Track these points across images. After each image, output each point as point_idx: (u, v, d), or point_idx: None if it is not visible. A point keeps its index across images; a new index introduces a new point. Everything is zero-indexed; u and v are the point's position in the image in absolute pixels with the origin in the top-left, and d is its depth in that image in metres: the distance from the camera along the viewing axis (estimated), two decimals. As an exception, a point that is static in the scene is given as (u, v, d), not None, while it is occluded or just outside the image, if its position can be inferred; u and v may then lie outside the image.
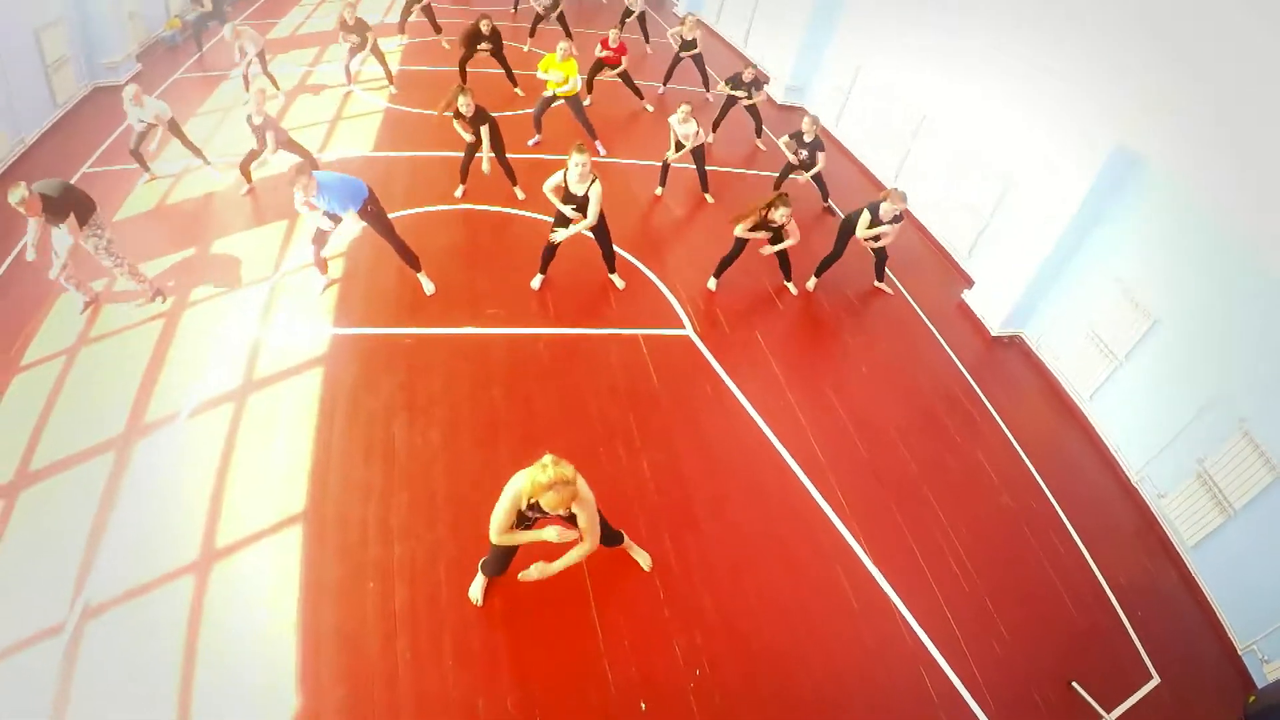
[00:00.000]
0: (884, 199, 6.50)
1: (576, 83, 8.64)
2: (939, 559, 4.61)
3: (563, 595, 3.98)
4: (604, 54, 9.99)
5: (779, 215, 6.19)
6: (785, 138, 8.32)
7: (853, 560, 4.47)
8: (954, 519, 4.91)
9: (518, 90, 10.40)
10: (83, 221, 5.30)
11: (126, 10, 10.01)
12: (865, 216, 6.59)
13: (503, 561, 3.76)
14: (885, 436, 5.50)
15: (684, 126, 7.77)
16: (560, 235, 6.04)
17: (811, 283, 7.09)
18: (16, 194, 4.89)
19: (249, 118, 6.94)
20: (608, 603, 3.99)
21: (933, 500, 5.02)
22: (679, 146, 7.97)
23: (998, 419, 5.97)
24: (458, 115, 6.94)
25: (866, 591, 4.31)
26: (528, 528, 3.42)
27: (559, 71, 8.39)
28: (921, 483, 5.16)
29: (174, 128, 7.35)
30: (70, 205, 5.20)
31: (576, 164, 5.67)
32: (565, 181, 5.85)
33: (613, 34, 9.99)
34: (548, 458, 3.06)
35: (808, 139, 8.02)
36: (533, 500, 3.14)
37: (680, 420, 5.27)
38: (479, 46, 9.68)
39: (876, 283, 7.34)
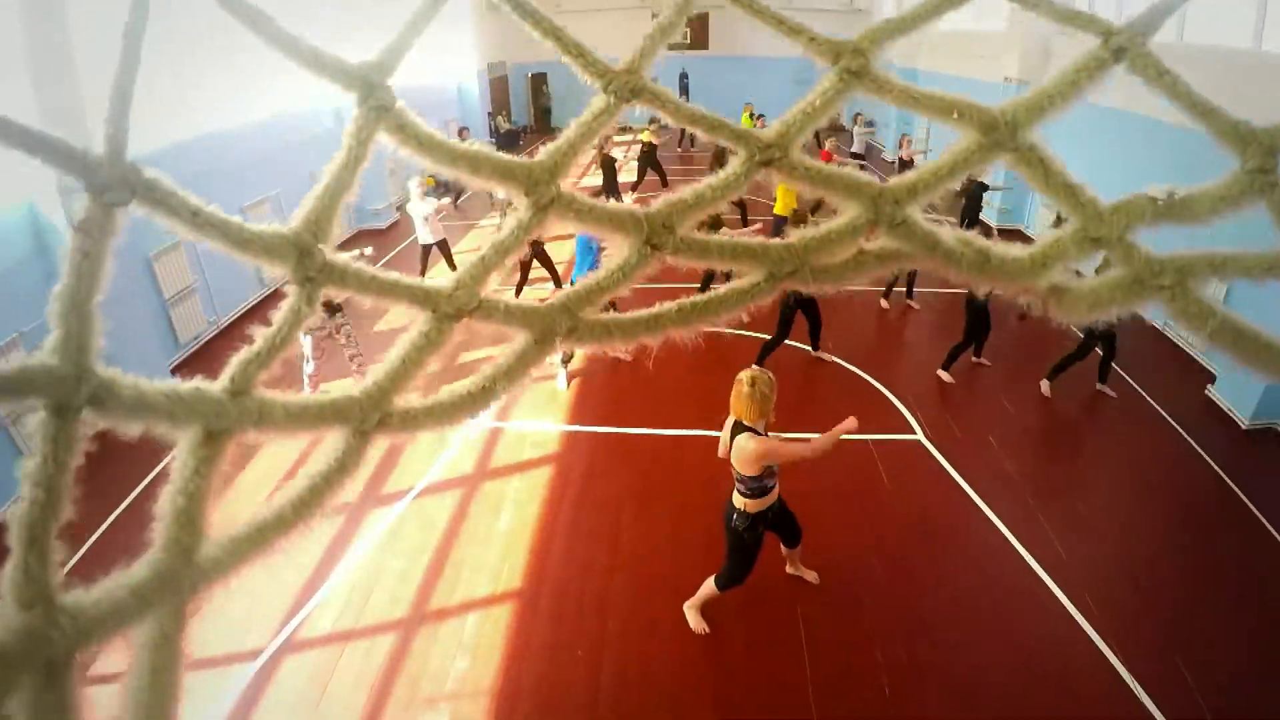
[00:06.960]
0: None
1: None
2: (1210, 675, 3.92)
3: (781, 695, 3.89)
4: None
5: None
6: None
7: (1113, 679, 3.91)
8: (1225, 636, 4.18)
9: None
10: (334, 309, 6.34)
11: (387, 168, 12.29)
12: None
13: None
14: (1140, 542, 4.96)
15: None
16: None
17: (1045, 386, 6.69)
18: None
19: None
20: (826, 699, 3.81)
21: (1205, 624, 4.27)
22: None
23: (1264, 520, 5.12)
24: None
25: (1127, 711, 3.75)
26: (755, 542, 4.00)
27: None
28: (1181, 591, 4.52)
29: (444, 248, 8.84)
30: None
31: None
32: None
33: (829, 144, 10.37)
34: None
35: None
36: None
37: (914, 524, 5.11)
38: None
39: (1099, 385, 6.75)
